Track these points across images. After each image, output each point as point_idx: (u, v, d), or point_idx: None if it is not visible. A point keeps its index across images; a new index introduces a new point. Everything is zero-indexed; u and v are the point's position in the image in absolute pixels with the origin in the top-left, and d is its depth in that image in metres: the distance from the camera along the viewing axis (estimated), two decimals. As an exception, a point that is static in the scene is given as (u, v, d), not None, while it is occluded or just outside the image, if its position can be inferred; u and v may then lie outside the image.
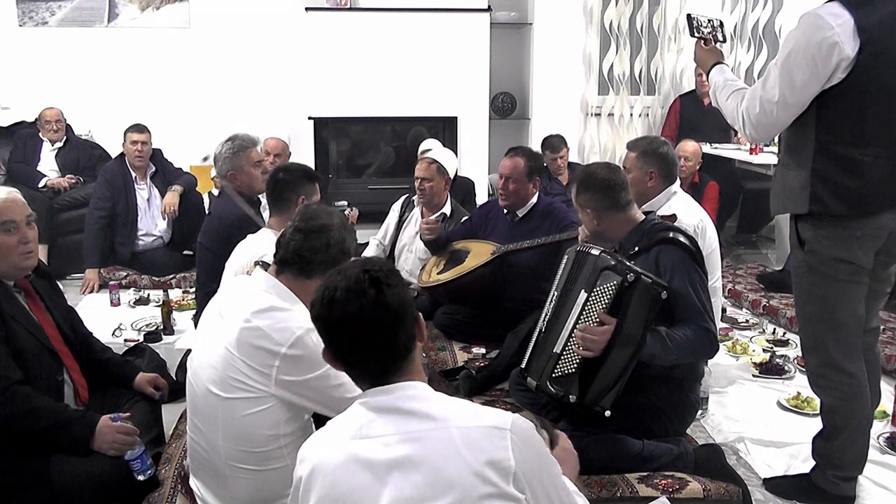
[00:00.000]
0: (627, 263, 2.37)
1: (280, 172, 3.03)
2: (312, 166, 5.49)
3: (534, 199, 3.67)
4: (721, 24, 2.67)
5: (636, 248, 2.55)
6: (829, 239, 2.27)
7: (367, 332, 1.38)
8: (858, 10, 2.13)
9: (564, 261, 2.63)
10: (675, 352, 2.38)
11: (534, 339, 2.65)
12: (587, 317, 2.39)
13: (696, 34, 2.60)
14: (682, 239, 2.52)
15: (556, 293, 2.60)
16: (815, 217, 2.28)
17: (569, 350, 2.43)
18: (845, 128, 2.21)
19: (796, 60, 2.17)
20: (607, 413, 2.42)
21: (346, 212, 4.40)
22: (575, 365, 2.41)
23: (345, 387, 2.02)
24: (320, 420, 2.15)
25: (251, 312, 1.97)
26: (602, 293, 2.37)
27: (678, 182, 3.21)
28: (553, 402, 2.58)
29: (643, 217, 2.64)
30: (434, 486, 1.31)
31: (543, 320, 2.62)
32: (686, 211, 3.08)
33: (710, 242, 3.10)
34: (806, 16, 2.19)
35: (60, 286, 2.71)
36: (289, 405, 1.99)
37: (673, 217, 2.80)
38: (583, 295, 2.41)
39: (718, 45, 2.61)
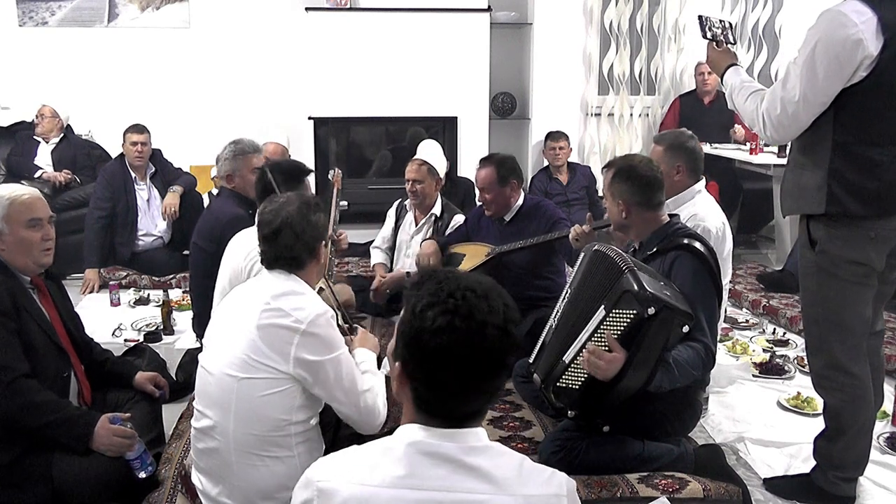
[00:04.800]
0: (651, 292, 2.22)
1: (269, 173, 3.03)
2: (312, 166, 5.50)
3: (519, 202, 3.65)
4: (731, 26, 2.64)
5: (654, 250, 2.51)
6: (842, 240, 2.23)
7: (467, 375, 1.24)
8: (881, 7, 2.09)
9: (581, 257, 2.58)
10: (680, 379, 2.35)
11: (544, 334, 2.62)
12: (601, 336, 2.32)
13: (708, 35, 2.56)
14: (700, 248, 2.45)
15: (569, 290, 2.56)
16: (828, 217, 2.24)
17: (577, 364, 2.39)
18: (863, 127, 2.17)
19: (819, 58, 2.12)
20: (605, 428, 2.42)
21: (342, 205, 4.35)
22: (580, 381, 2.38)
23: (354, 377, 2.07)
24: (323, 425, 2.16)
25: (271, 296, 2.05)
26: (620, 318, 2.29)
27: (703, 182, 3.14)
28: (552, 407, 2.57)
29: (668, 220, 2.60)
30: None
31: (555, 317, 2.59)
32: (710, 212, 3.03)
33: (728, 245, 3.07)
34: (827, 13, 2.15)
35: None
36: (302, 389, 2.03)
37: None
38: (602, 312, 2.33)
39: (730, 46, 2.57)
